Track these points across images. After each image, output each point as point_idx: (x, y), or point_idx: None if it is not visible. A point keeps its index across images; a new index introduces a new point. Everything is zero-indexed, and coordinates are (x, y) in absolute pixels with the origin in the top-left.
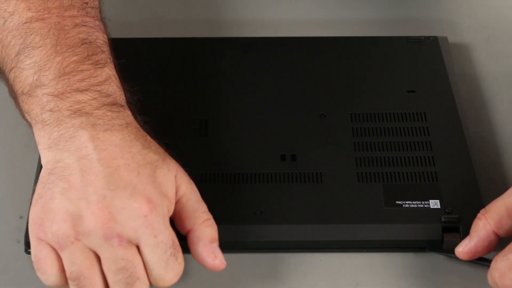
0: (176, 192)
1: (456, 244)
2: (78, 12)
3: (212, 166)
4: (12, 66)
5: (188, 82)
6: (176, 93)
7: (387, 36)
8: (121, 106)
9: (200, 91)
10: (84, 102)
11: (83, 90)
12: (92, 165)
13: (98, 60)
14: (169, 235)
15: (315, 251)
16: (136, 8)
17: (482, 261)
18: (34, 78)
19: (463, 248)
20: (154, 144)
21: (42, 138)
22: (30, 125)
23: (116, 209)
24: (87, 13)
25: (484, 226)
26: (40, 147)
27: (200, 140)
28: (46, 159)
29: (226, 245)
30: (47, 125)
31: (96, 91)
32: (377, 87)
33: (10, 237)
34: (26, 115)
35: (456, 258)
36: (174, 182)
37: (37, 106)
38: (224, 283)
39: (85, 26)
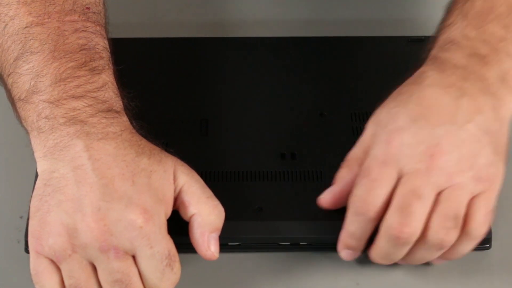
0: (176, 186)
1: None
2: (79, 17)
3: (213, 165)
4: (10, 71)
5: (188, 82)
6: (176, 93)
7: (387, 36)
8: (117, 112)
9: (200, 91)
10: (79, 109)
11: (79, 96)
12: (87, 175)
13: (95, 66)
14: (165, 245)
15: (315, 251)
16: (136, 8)
17: None
18: (31, 84)
19: (327, 194)
20: (148, 148)
21: (38, 145)
22: (27, 132)
23: (112, 221)
24: (88, 18)
25: (348, 172)
26: (36, 155)
27: (200, 139)
28: (41, 168)
29: (226, 240)
30: (42, 132)
31: (91, 97)
32: (377, 86)
33: (10, 237)
34: (23, 121)
35: None
36: (172, 180)
37: (33, 113)
38: (224, 282)
39: (85, 31)
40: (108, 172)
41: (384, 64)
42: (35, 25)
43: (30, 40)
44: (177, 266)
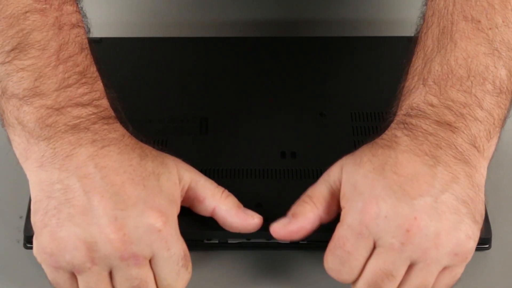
0: (183, 185)
1: None
2: (72, 6)
3: (213, 164)
4: (5, 60)
5: (188, 81)
6: (177, 92)
7: (387, 36)
8: (114, 118)
9: (201, 90)
10: (82, 117)
11: (85, 104)
12: (96, 184)
13: (94, 71)
14: (181, 247)
15: (315, 250)
16: (136, 8)
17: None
18: (34, 84)
19: (284, 225)
20: (149, 150)
21: (33, 153)
22: (2, 125)
23: (131, 229)
24: (78, 9)
25: (312, 209)
26: (28, 163)
27: (200, 138)
28: (37, 178)
29: (226, 237)
30: (42, 140)
31: (95, 105)
32: (377, 86)
33: (10, 237)
34: (12, 118)
35: None
36: (177, 181)
37: (32, 117)
38: (224, 281)
39: (80, 27)
40: (117, 179)
41: (384, 64)
42: (35, 11)
43: (33, 31)
44: (190, 266)
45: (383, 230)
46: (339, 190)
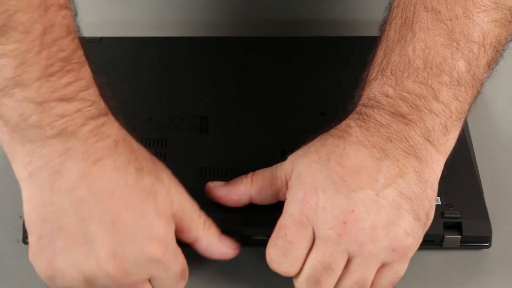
0: (171, 204)
1: (455, 241)
2: None
3: (213, 163)
4: None
5: (188, 80)
6: (177, 91)
7: None
8: (105, 115)
9: (201, 89)
10: (67, 116)
11: (69, 98)
12: (91, 211)
13: (80, 56)
14: (179, 263)
15: None
16: (136, 8)
17: None
18: (16, 73)
19: (216, 187)
20: (144, 158)
21: (19, 155)
22: None
23: (131, 263)
24: None
25: (245, 184)
26: (17, 169)
27: (200, 137)
28: (28, 191)
29: (227, 233)
30: (27, 142)
31: (80, 99)
32: None
33: (10, 237)
34: None
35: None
36: (171, 197)
37: (15, 112)
38: (224, 279)
39: (67, 8)
40: (114, 204)
41: None
42: None
43: (17, 12)
44: (188, 274)
45: (321, 220)
46: (282, 180)
